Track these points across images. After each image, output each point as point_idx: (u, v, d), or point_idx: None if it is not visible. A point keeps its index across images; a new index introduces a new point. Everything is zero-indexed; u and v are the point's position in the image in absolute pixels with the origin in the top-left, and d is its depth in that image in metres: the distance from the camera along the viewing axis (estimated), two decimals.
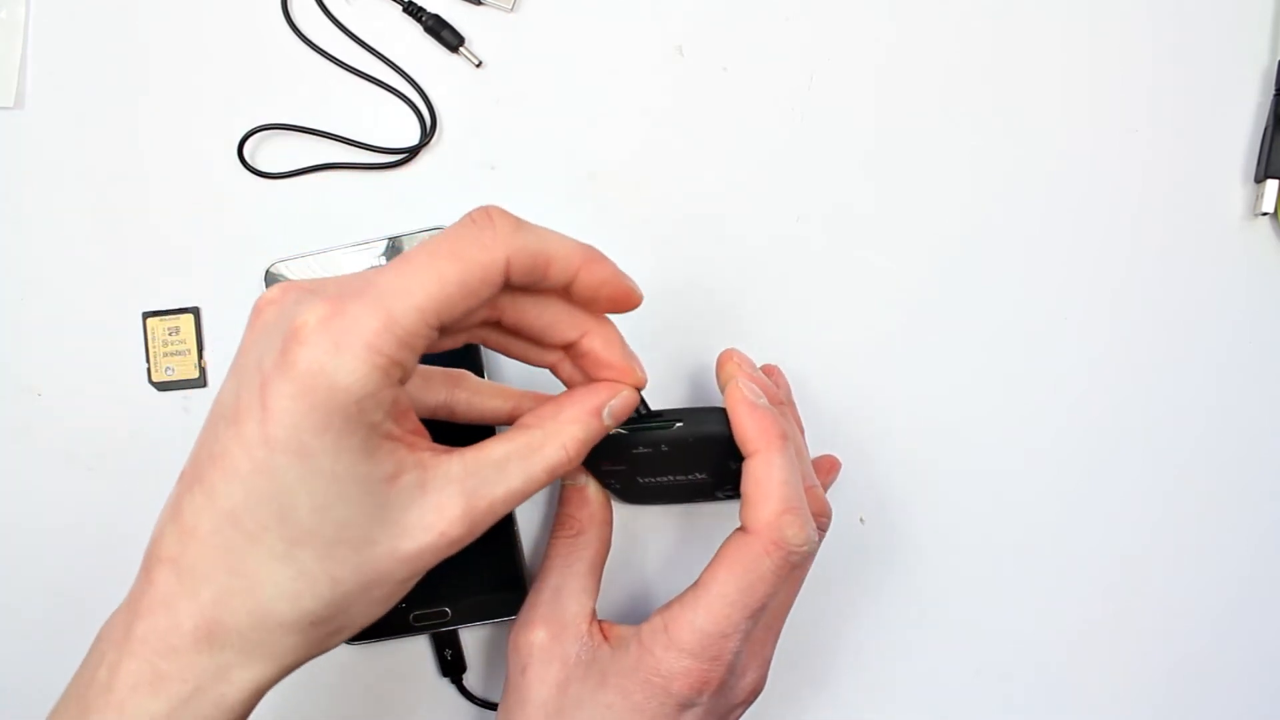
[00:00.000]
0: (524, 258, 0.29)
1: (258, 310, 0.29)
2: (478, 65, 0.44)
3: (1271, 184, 0.45)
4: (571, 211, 0.45)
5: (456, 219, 0.29)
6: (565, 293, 0.32)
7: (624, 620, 0.38)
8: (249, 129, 0.43)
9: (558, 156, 0.45)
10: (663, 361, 0.44)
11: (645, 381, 0.34)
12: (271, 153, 0.44)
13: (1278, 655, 0.46)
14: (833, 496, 0.39)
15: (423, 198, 0.44)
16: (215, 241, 0.44)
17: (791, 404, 0.43)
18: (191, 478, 0.28)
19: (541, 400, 0.35)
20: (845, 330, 0.45)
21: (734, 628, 0.34)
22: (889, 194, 0.45)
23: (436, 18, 0.44)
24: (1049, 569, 0.45)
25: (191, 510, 0.28)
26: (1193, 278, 0.46)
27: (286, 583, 0.28)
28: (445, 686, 0.44)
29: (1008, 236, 0.45)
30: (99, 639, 0.30)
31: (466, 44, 0.44)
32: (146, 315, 0.44)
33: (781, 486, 0.34)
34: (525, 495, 0.31)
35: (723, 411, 0.36)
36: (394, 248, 0.43)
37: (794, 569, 0.34)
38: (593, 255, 0.31)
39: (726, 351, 0.39)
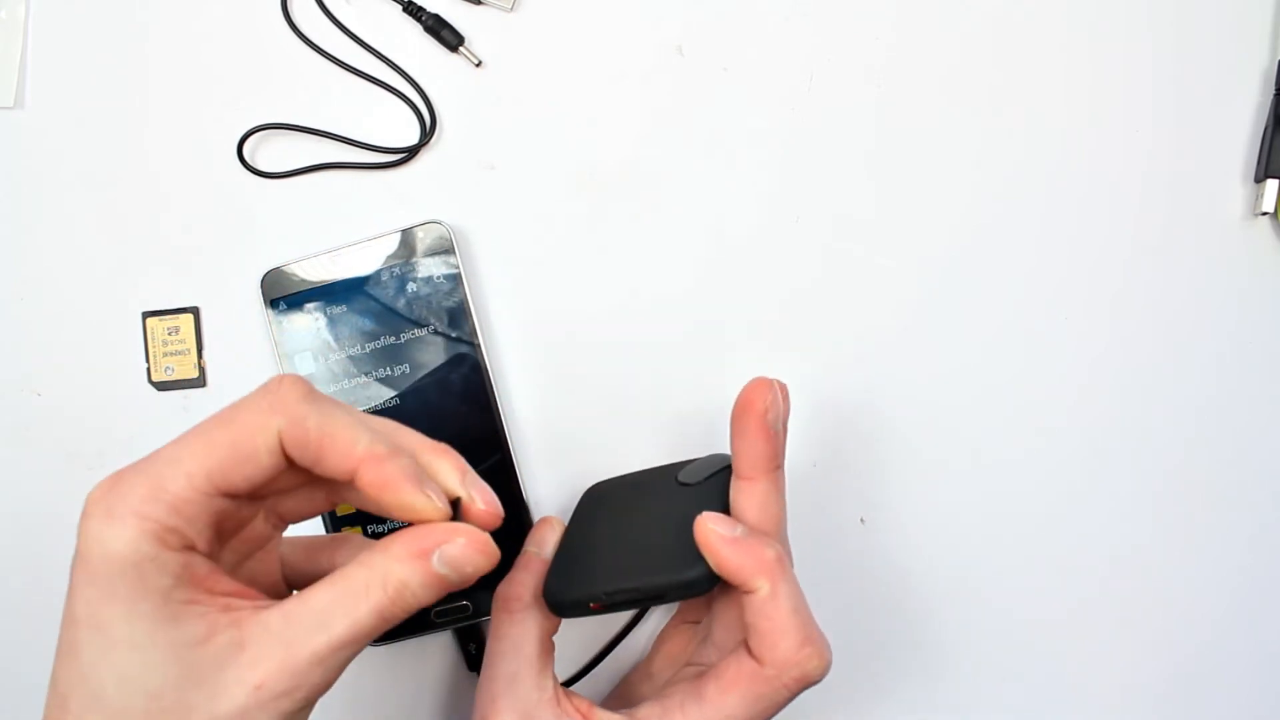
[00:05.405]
0: (298, 431, 0.28)
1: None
2: (478, 65, 0.44)
3: (1271, 184, 0.45)
4: (571, 211, 0.45)
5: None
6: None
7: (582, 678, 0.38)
8: (248, 129, 0.43)
9: (558, 156, 0.45)
10: (661, 363, 0.44)
11: (491, 520, 0.30)
12: (271, 152, 0.44)
13: (1278, 655, 0.46)
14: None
15: (423, 197, 0.44)
16: (215, 241, 0.44)
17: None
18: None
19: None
20: (845, 330, 0.45)
21: None
22: (889, 194, 0.45)
23: (436, 17, 0.44)
24: (1049, 569, 0.45)
25: (50, 697, 0.28)
26: (1193, 278, 0.46)
27: None
28: (475, 680, 0.43)
29: (1008, 236, 0.45)
30: None
31: (466, 44, 0.44)
32: (146, 315, 0.44)
33: (793, 617, 0.33)
34: (357, 640, 0.28)
35: (690, 552, 0.34)
36: (392, 248, 0.43)
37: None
38: (381, 455, 0.29)
39: (750, 392, 0.35)
